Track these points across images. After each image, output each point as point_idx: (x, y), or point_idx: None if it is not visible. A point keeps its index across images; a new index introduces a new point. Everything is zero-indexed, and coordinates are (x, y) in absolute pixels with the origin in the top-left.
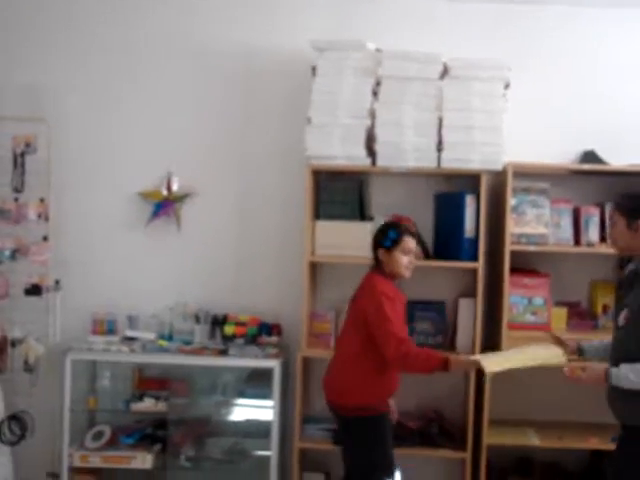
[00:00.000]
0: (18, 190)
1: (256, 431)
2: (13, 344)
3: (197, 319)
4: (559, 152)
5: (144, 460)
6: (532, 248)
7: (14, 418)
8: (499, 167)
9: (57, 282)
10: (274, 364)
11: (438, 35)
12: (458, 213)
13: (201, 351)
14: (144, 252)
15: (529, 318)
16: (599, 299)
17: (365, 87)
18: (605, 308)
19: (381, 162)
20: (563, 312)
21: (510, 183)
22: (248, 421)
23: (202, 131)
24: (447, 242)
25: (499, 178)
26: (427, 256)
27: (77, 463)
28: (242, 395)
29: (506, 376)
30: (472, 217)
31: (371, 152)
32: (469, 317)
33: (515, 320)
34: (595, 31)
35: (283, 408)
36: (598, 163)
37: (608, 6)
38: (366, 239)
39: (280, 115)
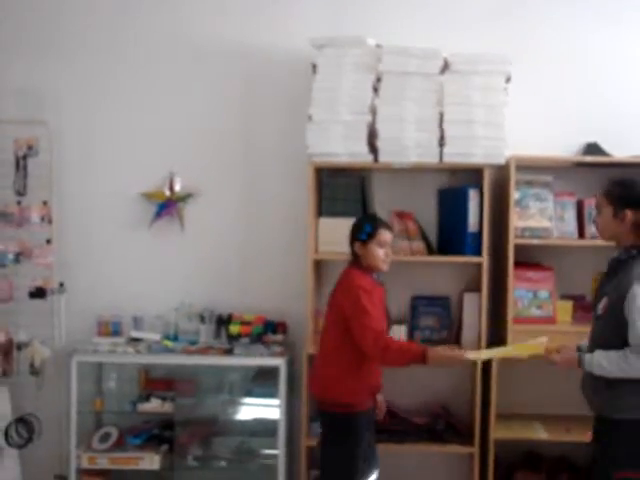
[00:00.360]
0: (21, 193)
1: (263, 430)
2: (19, 347)
3: (202, 319)
4: (562, 145)
5: (152, 461)
6: (536, 242)
7: (21, 421)
8: (501, 161)
9: (61, 284)
10: (280, 362)
11: (438, 29)
12: (461, 208)
13: (206, 351)
14: (148, 253)
15: (534, 312)
16: None
17: (365, 83)
18: None
19: (383, 158)
20: (568, 305)
21: (513, 177)
22: (255, 420)
23: (203, 131)
24: (451, 237)
25: (502, 172)
26: (431, 251)
27: (85, 465)
28: (248, 394)
29: (513, 370)
30: (475, 211)
31: (373, 148)
32: (474, 312)
33: (520, 314)
34: (597, 22)
35: (289, 406)
36: (601, 155)
37: None
38: None
39: (281, 113)
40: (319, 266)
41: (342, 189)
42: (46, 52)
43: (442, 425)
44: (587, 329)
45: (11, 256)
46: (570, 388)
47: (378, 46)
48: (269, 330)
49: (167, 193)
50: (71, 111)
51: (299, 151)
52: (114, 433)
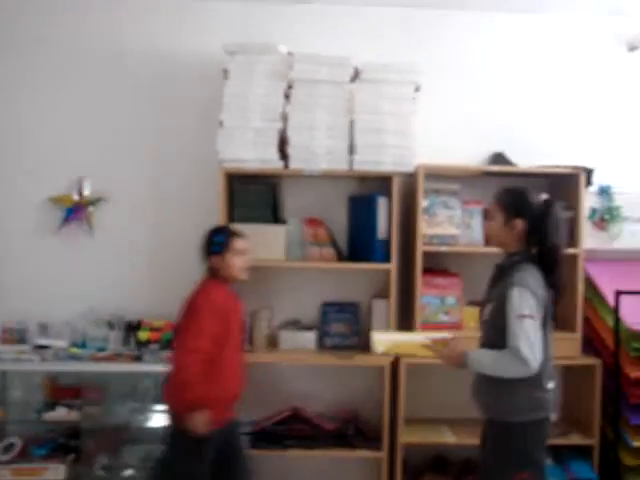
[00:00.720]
0: None
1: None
2: None
3: (111, 325)
4: (469, 154)
5: (57, 471)
6: (444, 249)
7: None
8: (410, 169)
9: None
10: None
11: (349, 38)
12: (371, 215)
13: (115, 358)
14: (56, 258)
15: (442, 318)
16: None
17: (277, 90)
18: None
19: (294, 165)
20: (475, 311)
21: (421, 185)
22: (164, 427)
23: (114, 134)
24: (360, 244)
25: (411, 180)
26: (341, 258)
27: None
28: (158, 401)
29: (421, 375)
30: (384, 219)
31: (284, 155)
32: (383, 318)
33: (428, 320)
34: (503, 36)
35: None
36: (506, 164)
37: (515, 12)
38: (280, 242)
39: (193, 118)
40: None
41: (253, 195)
42: None
43: (351, 430)
44: None
45: None
46: None
47: (289, 54)
48: None
49: (76, 197)
50: None
51: (210, 157)
52: (18, 443)
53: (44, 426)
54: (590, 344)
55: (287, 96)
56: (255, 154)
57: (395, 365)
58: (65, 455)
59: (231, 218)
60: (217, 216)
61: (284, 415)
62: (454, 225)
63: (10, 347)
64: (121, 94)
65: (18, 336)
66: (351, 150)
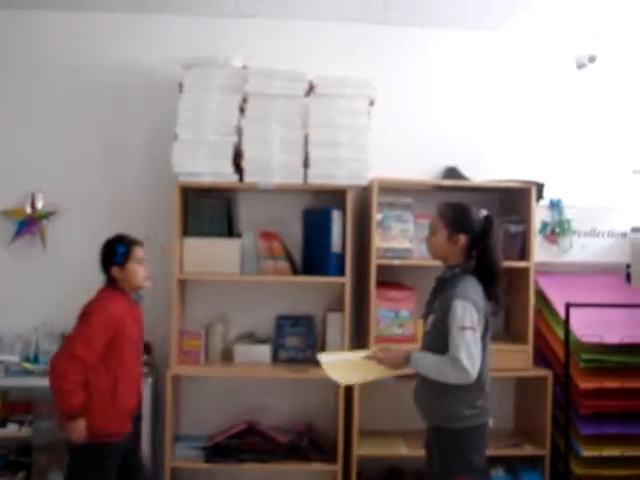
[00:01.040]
0: None
1: None
2: None
3: (63, 339)
4: (423, 168)
5: None
6: (397, 262)
7: None
8: (364, 183)
9: None
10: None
11: (304, 53)
12: (325, 229)
13: None
14: (7, 272)
15: (396, 331)
16: None
17: (231, 104)
18: None
19: (248, 178)
20: None
21: (375, 198)
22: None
23: (68, 148)
24: (315, 257)
25: (365, 194)
26: (295, 271)
27: None
28: None
29: (375, 387)
30: (339, 232)
31: (238, 169)
32: (337, 331)
33: (382, 333)
34: (456, 52)
35: (154, 427)
36: (460, 178)
37: (468, 29)
38: (235, 256)
39: (148, 131)
40: (184, 286)
41: (208, 209)
42: None
43: (306, 443)
44: None
45: None
46: None
47: (244, 67)
48: None
49: (28, 210)
50: None
51: (165, 170)
52: None
53: None
54: (542, 356)
55: (242, 110)
56: (210, 168)
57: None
58: (16, 472)
59: (186, 232)
60: (172, 230)
61: (239, 428)
62: (407, 239)
63: None
64: (75, 107)
65: None
66: (306, 164)
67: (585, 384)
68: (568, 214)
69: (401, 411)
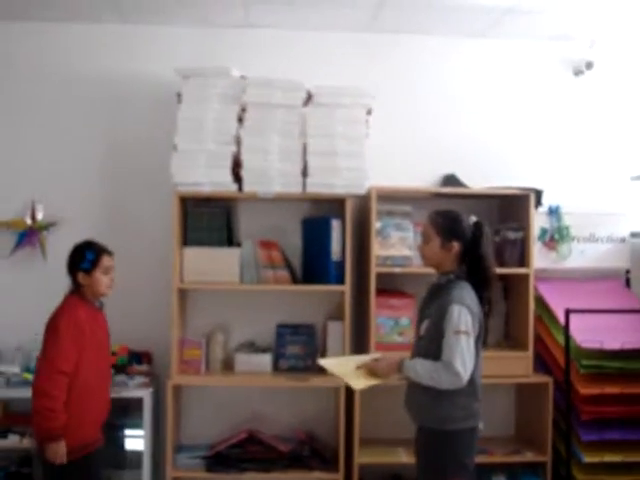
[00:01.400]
0: None
1: (128, 462)
2: None
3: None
4: (422, 176)
5: None
6: (397, 270)
7: None
8: (362, 191)
9: None
10: (144, 394)
11: (303, 63)
12: (324, 237)
13: None
14: (8, 283)
15: (396, 338)
16: None
17: (230, 114)
18: None
19: (247, 188)
20: None
21: (374, 207)
22: (120, 452)
23: (68, 158)
24: (315, 266)
25: (363, 202)
26: (295, 280)
27: None
28: (113, 426)
29: (376, 395)
30: (338, 241)
31: (237, 178)
32: (338, 339)
33: (382, 341)
34: (454, 60)
35: (155, 437)
36: (458, 186)
37: (466, 37)
38: (235, 265)
39: (147, 142)
40: (184, 295)
41: (207, 218)
42: None
43: (307, 451)
44: None
45: None
46: None
47: (243, 77)
48: (134, 360)
49: (28, 222)
50: None
51: (164, 180)
52: None
53: None
54: (542, 362)
55: (240, 119)
56: (209, 177)
57: (350, 387)
58: None
59: (185, 241)
60: (171, 239)
61: (240, 438)
62: (407, 246)
63: None
64: (75, 118)
65: None
66: (304, 173)
67: (586, 390)
68: (567, 220)
69: (401, 419)
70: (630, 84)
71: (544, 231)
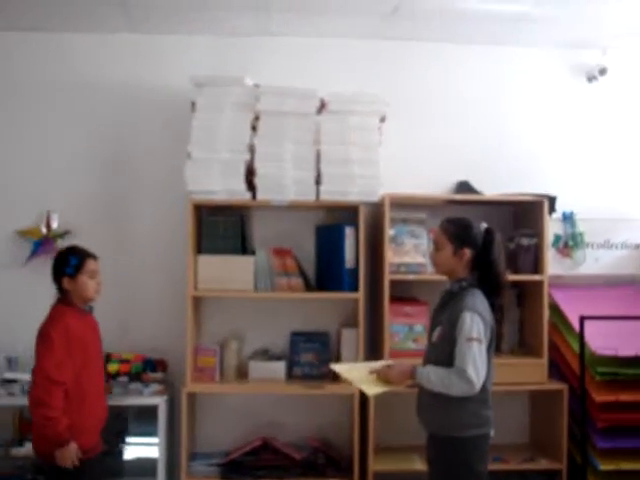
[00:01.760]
0: None
1: (143, 469)
2: None
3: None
4: (435, 182)
5: None
6: (411, 277)
7: None
8: (376, 199)
9: None
10: (159, 401)
11: (316, 71)
12: (338, 244)
13: None
14: (23, 291)
15: (410, 345)
16: None
17: (244, 122)
18: None
19: (261, 196)
20: None
21: (387, 214)
22: (135, 459)
23: (82, 167)
24: (328, 273)
25: (377, 209)
26: (309, 287)
27: None
28: (128, 433)
29: (390, 402)
30: (352, 248)
31: (251, 186)
32: (352, 347)
33: (397, 348)
34: (467, 67)
35: (170, 445)
36: (472, 193)
37: (479, 44)
38: (249, 272)
39: (160, 150)
40: (198, 303)
41: (221, 226)
42: None
43: (322, 459)
44: None
45: None
46: None
47: (256, 86)
48: (148, 368)
49: (44, 231)
50: None
51: (178, 188)
52: None
53: (12, 462)
54: (557, 369)
55: (254, 128)
56: (223, 185)
57: (364, 393)
58: None
59: (199, 249)
60: (185, 247)
61: (254, 445)
62: (421, 253)
63: None
64: (90, 127)
65: None
66: (318, 181)
67: (601, 397)
68: (581, 227)
69: (416, 426)
70: None
71: (558, 237)
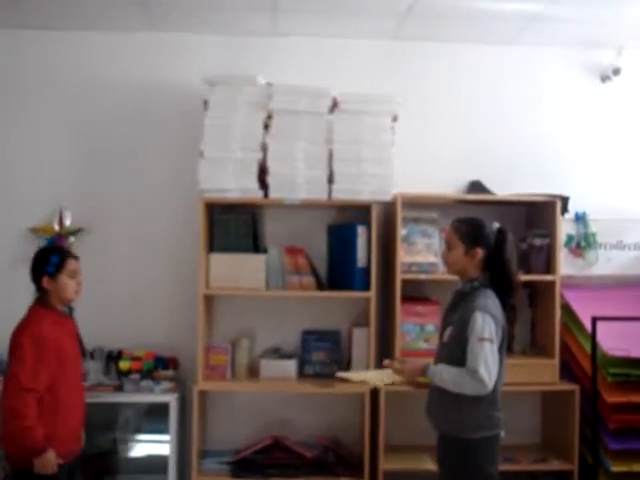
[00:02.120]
0: None
1: (154, 467)
2: None
3: (91, 355)
4: (447, 182)
5: None
6: (423, 276)
7: None
8: (388, 198)
9: None
10: (170, 399)
11: (328, 70)
12: (350, 243)
13: (96, 388)
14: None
15: (422, 345)
16: None
17: (256, 121)
18: None
19: (273, 194)
20: None
21: (400, 213)
22: (146, 457)
23: (94, 165)
24: (340, 272)
25: (389, 208)
26: (321, 286)
27: None
28: (140, 430)
29: (401, 401)
30: (364, 247)
31: (264, 185)
32: (363, 346)
33: (408, 347)
34: (480, 66)
35: (181, 442)
36: (484, 192)
37: (491, 44)
38: (260, 271)
39: (173, 149)
40: (210, 301)
41: (233, 225)
42: None
43: (332, 458)
44: None
45: None
46: None
47: (269, 85)
48: (160, 366)
49: (56, 228)
50: None
51: (190, 186)
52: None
53: None
54: (569, 370)
55: (266, 126)
56: (235, 184)
57: (375, 392)
58: None
59: (211, 247)
60: (197, 245)
61: (265, 444)
62: (433, 253)
63: None
64: (102, 125)
65: None
66: (330, 180)
67: (613, 398)
68: (593, 227)
69: (427, 425)
70: None
71: (570, 238)
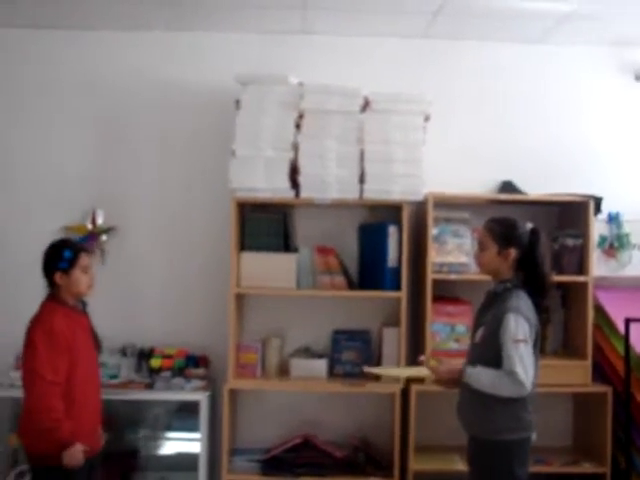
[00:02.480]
0: None
1: (184, 464)
2: None
3: (123, 353)
4: (479, 182)
5: None
6: (454, 277)
7: None
8: (419, 198)
9: None
10: (201, 397)
11: (360, 69)
12: (381, 243)
13: (127, 385)
14: None
15: (452, 345)
16: None
17: (288, 120)
18: None
19: (304, 194)
20: None
21: (431, 213)
22: (176, 454)
23: (127, 164)
24: (371, 272)
25: (421, 208)
26: (352, 286)
27: None
28: (169, 428)
29: (432, 402)
30: (395, 247)
31: (295, 184)
32: (394, 346)
33: (439, 348)
34: (511, 66)
35: (211, 440)
36: (515, 192)
37: (524, 43)
38: (291, 270)
39: (205, 148)
40: (241, 300)
41: (264, 224)
42: None
43: (362, 457)
44: None
45: None
46: None
47: (300, 84)
48: (191, 364)
49: (89, 226)
50: None
51: (222, 186)
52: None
53: None
54: (601, 371)
55: (298, 126)
56: (267, 183)
57: (406, 392)
58: None
59: (243, 246)
60: (229, 245)
61: (295, 442)
62: (464, 253)
63: None
64: (134, 125)
65: None
66: (361, 179)
67: None
68: (627, 228)
69: (457, 426)
70: None
71: (603, 238)
